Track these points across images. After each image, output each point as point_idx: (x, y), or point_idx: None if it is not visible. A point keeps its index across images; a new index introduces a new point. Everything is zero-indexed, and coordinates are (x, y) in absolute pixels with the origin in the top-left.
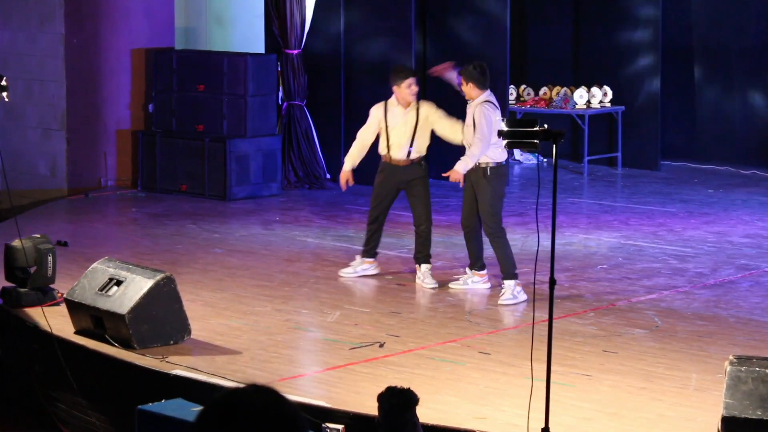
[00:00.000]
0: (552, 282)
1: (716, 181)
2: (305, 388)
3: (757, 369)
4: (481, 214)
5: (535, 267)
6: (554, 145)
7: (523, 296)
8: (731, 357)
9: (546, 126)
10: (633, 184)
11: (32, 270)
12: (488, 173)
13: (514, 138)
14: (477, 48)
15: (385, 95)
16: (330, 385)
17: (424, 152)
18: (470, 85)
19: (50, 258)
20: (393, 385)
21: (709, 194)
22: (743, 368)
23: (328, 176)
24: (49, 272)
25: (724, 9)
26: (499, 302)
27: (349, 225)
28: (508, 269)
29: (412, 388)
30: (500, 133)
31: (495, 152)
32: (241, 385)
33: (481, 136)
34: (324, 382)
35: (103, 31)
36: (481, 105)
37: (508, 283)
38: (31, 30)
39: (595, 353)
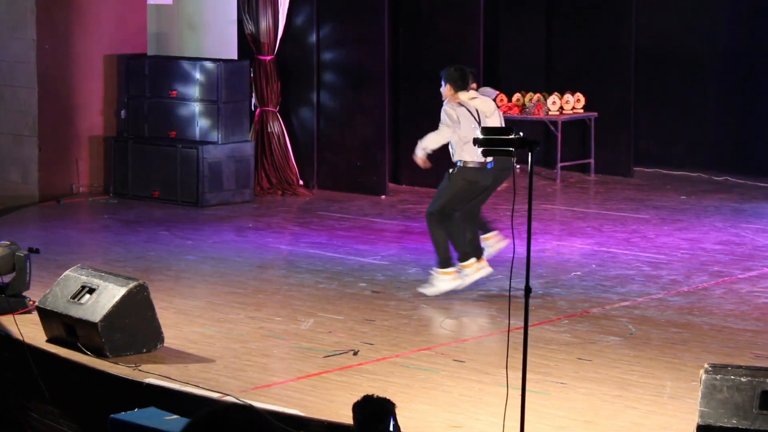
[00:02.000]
0: (527, 290)
1: (689, 187)
2: (279, 397)
3: (732, 377)
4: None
5: (511, 275)
6: (530, 153)
7: (445, 286)
8: (706, 365)
9: (521, 134)
10: (606, 190)
11: (6, 278)
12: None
13: (489, 146)
14: (450, 54)
15: (357, 101)
16: (304, 394)
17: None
18: (448, 86)
19: (28, 264)
20: (368, 393)
21: (681, 201)
22: (718, 376)
23: (300, 182)
24: (27, 278)
25: (696, 15)
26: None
27: (322, 231)
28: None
29: (389, 398)
30: (476, 141)
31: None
32: (220, 406)
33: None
34: (298, 391)
35: (75, 37)
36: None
37: (436, 272)
38: (2, 36)
39: (570, 361)
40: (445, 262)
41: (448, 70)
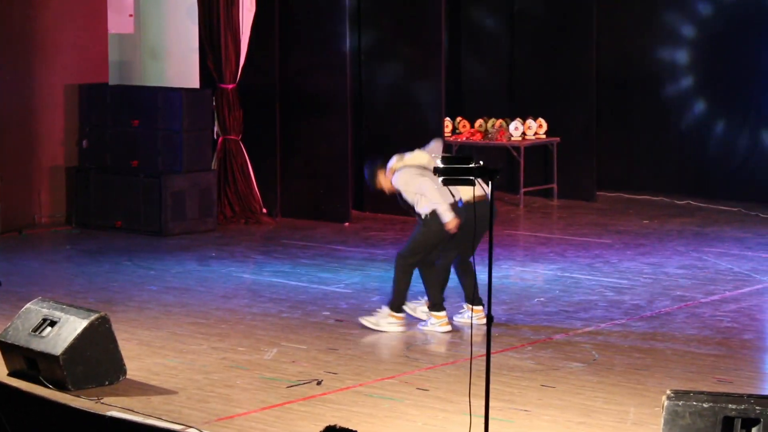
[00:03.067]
0: (489, 318)
1: (652, 211)
2: (242, 428)
3: (695, 403)
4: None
5: (473, 302)
6: (490, 182)
7: (389, 328)
8: (668, 391)
9: (481, 162)
10: (569, 215)
11: None
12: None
13: (449, 175)
14: (412, 80)
15: (319, 129)
16: (267, 425)
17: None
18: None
19: None
20: (331, 424)
21: (644, 225)
22: (680, 402)
23: (264, 210)
24: None
25: (657, 40)
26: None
27: (286, 260)
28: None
29: (351, 428)
30: (436, 171)
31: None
32: None
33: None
34: (261, 422)
35: (36, 67)
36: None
37: (385, 310)
38: None
39: (534, 388)
40: (398, 306)
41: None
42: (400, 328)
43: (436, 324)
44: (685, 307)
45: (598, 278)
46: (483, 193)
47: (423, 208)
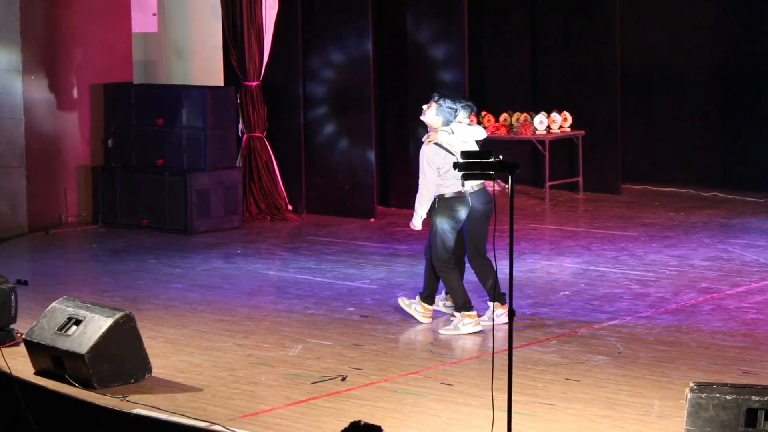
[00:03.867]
0: (511, 313)
1: (677, 203)
2: (267, 425)
3: (718, 395)
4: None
5: (494, 296)
6: (510, 176)
7: (468, 329)
8: (691, 384)
9: (501, 157)
10: (595, 208)
11: None
12: (437, 205)
13: (469, 170)
14: (436, 75)
15: (343, 125)
16: (292, 421)
17: None
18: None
19: (13, 297)
20: (356, 419)
21: (670, 217)
22: (704, 395)
23: (289, 207)
24: (12, 311)
25: (681, 32)
26: (441, 331)
27: (311, 256)
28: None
29: (377, 424)
30: (456, 165)
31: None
32: None
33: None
34: (286, 418)
35: (61, 67)
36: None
37: (457, 316)
38: None
39: (558, 381)
40: (465, 306)
41: (446, 97)
42: (478, 327)
43: (469, 324)
44: (711, 299)
45: (624, 271)
46: (481, 182)
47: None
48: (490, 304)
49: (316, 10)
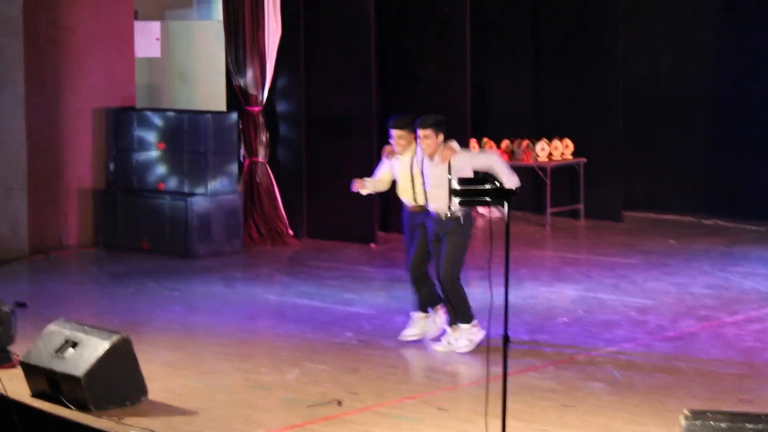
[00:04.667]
0: (506, 339)
1: (678, 231)
2: None
3: (712, 423)
4: (448, 259)
5: (489, 323)
6: (506, 203)
7: (477, 337)
8: (686, 411)
9: (497, 184)
10: (595, 235)
11: None
12: (464, 221)
13: (466, 197)
14: (438, 100)
15: (345, 150)
16: None
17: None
18: (441, 135)
19: (13, 319)
20: None
21: (670, 245)
22: (698, 422)
23: (290, 232)
24: (11, 332)
25: (684, 60)
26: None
27: (311, 281)
28: (466, 313)
29: None
30: (453, 192)
31: None
32: None
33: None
34: None
35: (64, 91)
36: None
37: (464, 328)
38: None
39: (554, 407)
40: (469, 317)
41: (435, 119)
42: (483, 332)
43: (477, 333)
44: (709, 327)
45: (623, 298)
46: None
47: (460, 210)
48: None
49: (318, 35)
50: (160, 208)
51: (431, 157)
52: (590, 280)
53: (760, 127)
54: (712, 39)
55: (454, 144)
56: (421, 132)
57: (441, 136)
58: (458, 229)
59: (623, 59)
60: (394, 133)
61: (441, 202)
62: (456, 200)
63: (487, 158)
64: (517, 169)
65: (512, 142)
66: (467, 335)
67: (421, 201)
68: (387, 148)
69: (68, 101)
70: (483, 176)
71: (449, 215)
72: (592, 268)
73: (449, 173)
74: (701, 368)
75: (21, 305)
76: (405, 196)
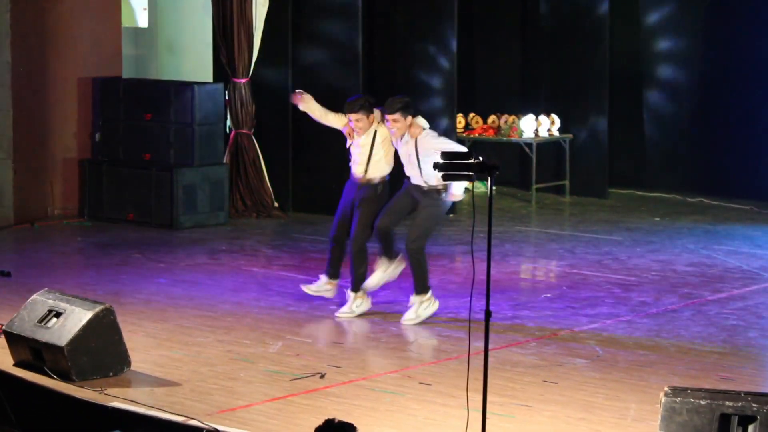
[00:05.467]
0: (488, 314)
1: (663, 209)
2: (244, 420)
3: (692, 400)
4: (419, 229)
5: (471, 297)
6: (489, 178)
7: (428, 312)
8: (666, 388)
9: (481, 158)
10: (580, 212)
11: None
12: (439, 194)
13: (449, 170)
14: (425, 76)
15: None
16: (269, 417)
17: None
18: (409, 117)
19: None
20: (331, 417)
21: (655, 222)
22: (678, 399)
23: (275, 204)
24: None
25: (672, 38)
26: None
27: (296, 254)
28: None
29: (352, 421)
30: (435, 166)
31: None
32: None
33: None
34: (263, 414)
35: (50, 60)
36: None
37: (416, 299)
38: None
39: (536, 383)
40: (425, 288)
41: (402, 100)
42: (436, 304)
43: (427, 306)
44: (692, 305)
45: (606, 275)
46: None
47: (437, 182)
48: (351, 293)
49: (307, 8)
50: (145, 179)
51: (401, 137)
52: (574, 257)
53: (746, 106)
54: (700, 17)
55: (421, 121)
56: (389, 117)
57: (409, 118)
58: (437, 202)
59: (611, 36)
60: (351, 116)
61: (415, 176)
62: (438, 174)
63: (447, 146)
64: (503, 145)
65: (499, 117)
66: (420, 307)
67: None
68: (347, 131)
69: (54, 71)
70: (466, 150)
71: (427, 187)
72: (576, 245)
73: (416, 150)
74: (683, 345)
75: (5, 274)
76: (356, 168)
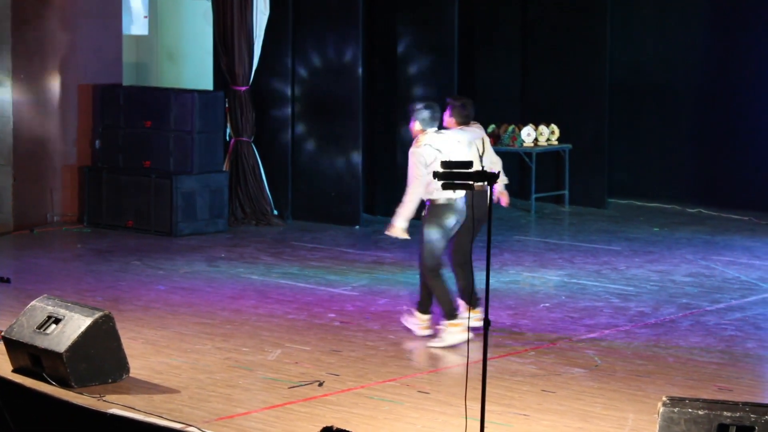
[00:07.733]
0: (486, 322)
1: (662, 219)
2: (241, 428)
3: (690, 410)
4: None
5: (469, 307)
6: (489, 187)
7: (454, 339)
8: (664, 398)
9: (482, 167)
10: (579, 222)
11: None
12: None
13: (449, 179)
14: (425, 85)
15: (331, 132)
16: (266, 425)
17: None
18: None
19: None
20: (329, 425)
21: (654, 232)
22: (676, 409)
23: (275, 212)
24: None
25: (670, 49)
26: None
27: (295, 262)
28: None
29: (351, 430)
30: (435, 175)
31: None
32: None
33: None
34: (261, 422)
35: (51, 67)
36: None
37: (444, 324)
38: None
39: (534, 393)
40: (451, 314)
41: (419, 106)
42: (464, 334)
43: (454, 333)
44: (690, 315)
45: (605, 285)
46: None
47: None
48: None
49: (307, 17)
50: (145, 186)
51: None
52: (573, 267)
53: (744, 117)
54: (699, 28)
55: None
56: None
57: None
58: (423, 220)
59: (611, 47)
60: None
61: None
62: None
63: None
64: (503, 154)
65: (499, 126)
66: (446, 333)
67: None
68: None
69: (55, 78)
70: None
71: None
72: (575, 255)
73: None
74: (681, 356)
75: (4, 280)
76: None
